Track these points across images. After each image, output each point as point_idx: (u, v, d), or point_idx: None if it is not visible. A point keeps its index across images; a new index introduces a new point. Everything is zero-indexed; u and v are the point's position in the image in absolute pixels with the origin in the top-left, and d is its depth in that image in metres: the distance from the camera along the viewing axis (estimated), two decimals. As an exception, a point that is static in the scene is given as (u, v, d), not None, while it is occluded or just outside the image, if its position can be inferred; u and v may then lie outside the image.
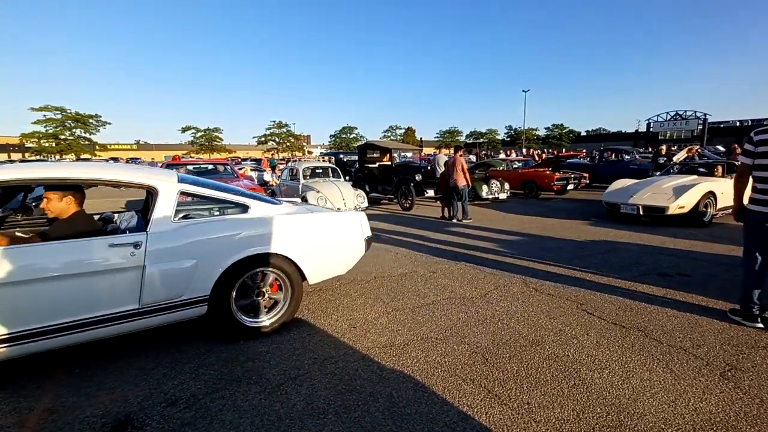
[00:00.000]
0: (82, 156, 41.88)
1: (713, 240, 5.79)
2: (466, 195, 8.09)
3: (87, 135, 43.08)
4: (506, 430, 1.91)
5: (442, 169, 12.63)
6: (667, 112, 24.61)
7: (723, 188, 7.16)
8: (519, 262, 4.88)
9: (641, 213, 7.14)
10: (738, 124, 46.58)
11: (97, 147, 45.46)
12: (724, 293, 3.64)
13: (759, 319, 2.96)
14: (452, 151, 10.01)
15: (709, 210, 6.98)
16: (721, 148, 21.81)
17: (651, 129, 25.50)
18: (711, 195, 6.97)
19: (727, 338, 2.80)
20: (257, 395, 2.21)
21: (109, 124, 44.90)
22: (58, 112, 40.28)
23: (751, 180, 2.99)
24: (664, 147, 12.06)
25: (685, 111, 23.78)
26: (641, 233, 6.38)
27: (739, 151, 11.18)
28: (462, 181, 7.98)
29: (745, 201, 3.04)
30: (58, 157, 40.28)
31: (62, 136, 40.87)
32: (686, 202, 6.75)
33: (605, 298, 3.62)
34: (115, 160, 38.10)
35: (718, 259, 4.81)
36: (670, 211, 6.77)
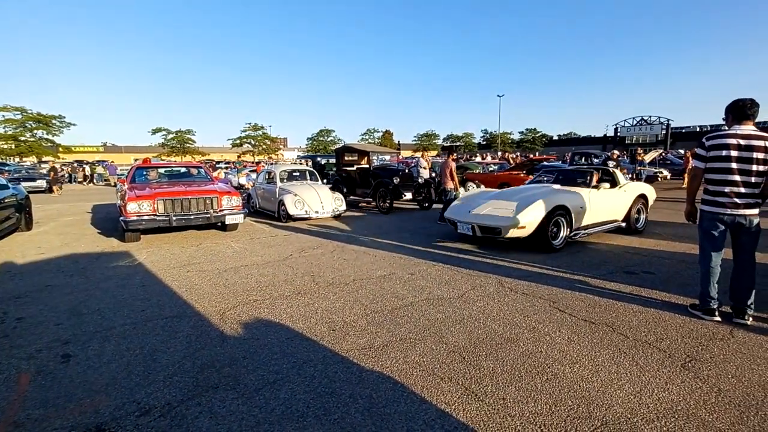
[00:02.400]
0: (44, 158, 39.93)
1: (677, 239, 6.10)
2: (453, 198, 8.22)
3: (49, 136, 41.07)
4: (483, 426, 1.96)
5: (426, 172, 12.79)
6: (633, 118, 25.79)
7: (584, 201, 5.72)
8: (495, 262, 4.99)
9: (478, 233, 5.59)
10: (698, 129, 49.24)
11: (60, 149, 43.42)
12: (685, 289, 3.85)
13: (716, 313, 3.14)
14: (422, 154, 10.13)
15: (562, 231, 5.53)
16: (682, 152, 22.98)
17: (618, 133, 26.61)
18: (562, 211, 5.44)
19: (687, 331, 2.97)
20: (235, 401, 2.19)
21: (74, 125, 43.09)
22: (18, 112, 38.23)
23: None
24: (616, 152, 12.72)
25: (650, 116, 24.96)
26: (609, 233, 6.64)
27: (615, 155, 12.09)
28: (450, 184, 8.19)
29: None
30: (17, 159, 38.23)
31: (22, 138, 38.82)
32: (528, 221, 5.19)
33: (576, 295, 3.76)
34: (80, 162, 36.49)
35: (681, 257, 5.08)
36: (507, 233, 5.22)
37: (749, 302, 3.07)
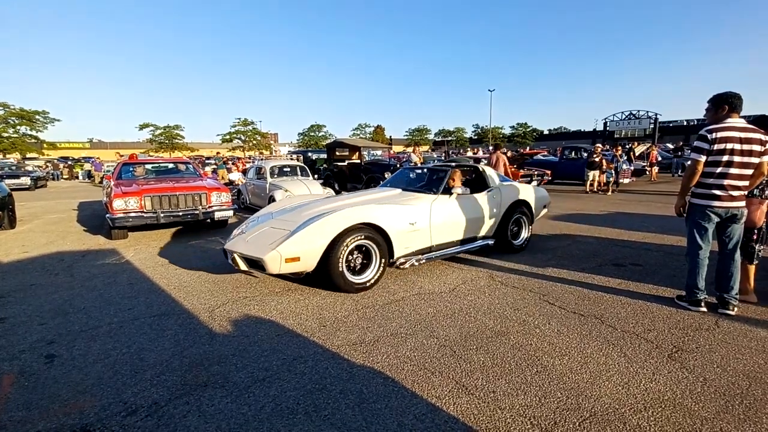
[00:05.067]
0: (29, 155, 39.03)
1: (664, 232, 6.18)
2: None
3: (33, 132, 40.14)
4: (473, 419, 1.96)
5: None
6: (622, 112, 25.99)
7: (417, 215, 4.12)
8: (486, 257, 5.01)
9: (242, 267, 3.70)
10: (685, 123, 49.96)
11: (45, 145, 42.50)
12: (672, 281, 3.90)
13: (702, 304, 3.19)
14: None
15: (374, 262, 3.82)
16: (671, 146, 23.27)
17: (607, 128, 26.84)
18: (369, 233, 3.74)
19: (674, 322, 3.01)
20: (224, 399, 2.16)
21: (59, 120, 42.09)
22: (0, 108, 37.30)
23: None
24: (599, 146, 12.79)
25: (638, 111, 25.19)
26: (599, 226, 6.72)
27: (599, 150, 12.21)
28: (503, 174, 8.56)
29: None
30: (0, 156, 37.31)
31: (5, 134, 37.89)
32: (301, 251, 3.47)
33: (566, 288, 3.79)
34: (65, 159, 35.77)
35: (668, 249, 5.15)
36: (273, 267, 3.43)
37: (734, 293, 3.12)
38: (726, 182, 3.00)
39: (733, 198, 3.02)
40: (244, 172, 13.55)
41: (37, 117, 39.57)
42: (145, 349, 2.73)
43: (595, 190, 12.14)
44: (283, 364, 2.51)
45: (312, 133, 61.06)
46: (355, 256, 3.79)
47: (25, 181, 18.13)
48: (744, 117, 3.13)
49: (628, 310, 3.26)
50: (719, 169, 3.00)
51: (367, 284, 3.79)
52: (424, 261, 4.21)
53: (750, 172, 2.98)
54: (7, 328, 3.13)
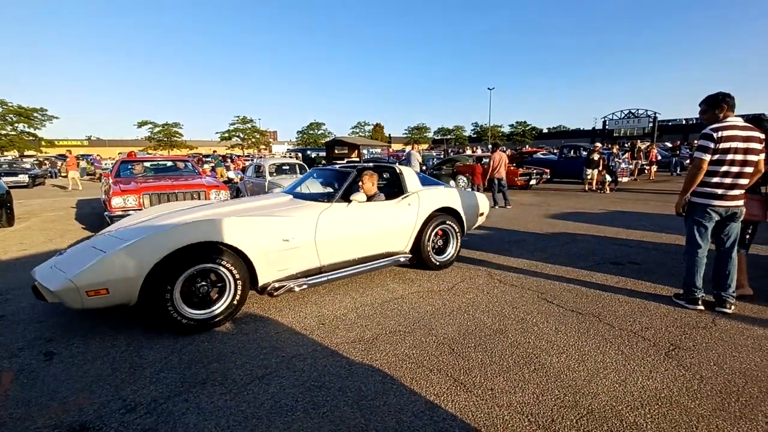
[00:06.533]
0: (27, 153, 38.88)
1: (662, 230, 6.20)
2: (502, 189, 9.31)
3: (31, 130, 39.96)
4: (471, 416, 1.97)
5: (417, 165, 12.79)
6: (621, 111, 25.97)
7: (293, 230, 3.31)
8: (484, 254, 5.02)
9: (48, 299, 2.73)
10: (684, 122, 49.98)
11: (43, 143, 42.31)
12: (670, 279, 3.91)
13: (700, 302, 3.21)
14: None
15: (227, 291, 3.02)
16: (669, 144, 23.24)
17: (607, 126, 26.83)
18: (215, 256, 2.93)
19: (671, 320, 3.02)
20: (223, 396, 2.17)
21: (57, 118, 41.84)
22: (-2, 105, 37.12)
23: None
24: (598, 145, 12.80)
25: (638, 109, 25.17)
26: (598, 225, 6.73)
27: (598, 148, 12.24)
28: (503, 174, 9.33)
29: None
30: (-2, 154, 37.15)
31: (3, 132, 37.73)
32: (105, 280, 2.63)
33: (564, 286, 3.80)
34: (63, 156, 35.61)
35: (666, 248, 5.16)
36: (71, 302, 2.62)
37: (731, 291, 3.14)
38: (729, 181, 3.00)
39: (734, 197, 3.03)
40: (243, 170, 13.54)
41: (35, 114, 39.40)
42: (144, 347, 2.73)
43: (594, 188, 12.16)
44: (281, 362, 2.52)
45: (311, 131, 60.96)
46: (199, 284, 2.93)
47: (23, 178, 18.08)
48: (740, 116, 3.15)
49: (626, 308, 3.27)
50: (723, 168, 2.99)
51: (216, 319, 2.97)
52: (306, 287, 3.36)
53: (751, 170, 2.99)
54: (6, 326, 3.13)
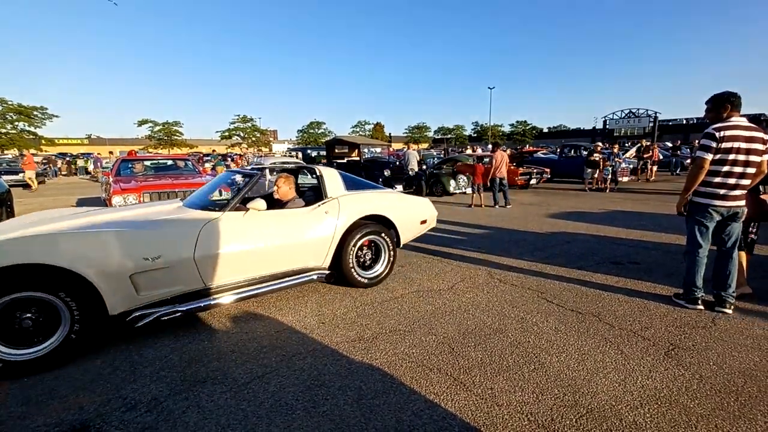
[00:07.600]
0: (26, 151, 38.84)
1: (662, 230, 6.20)
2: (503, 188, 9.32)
3: (31, 128, 39.96)
4: (471, 415, 1.98)
5: (414, 164, 12.78)
6: (622, 110, 25.92)
7: (172, 246, 2.81)
8: (485, 254, 5.02)
9: None
10: (685, 122, 49.99)
11: (43, 141, 42.32)
12: (669, 279, 3.92)
13: (700, 302, 3.21)
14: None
15: (28, 320, 2.39)
16: (669, 144, 23.21)
17: (607, 126, 26.79)
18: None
19: (671, 320, 3.03)
20: (223, 395, 2.17)
21: (57, 117, 41.85)
22: (-2, 103, 37.10)
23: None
24: (599, 144, 12.78)
25: (638, 109, 25.11)
26: (598, 225, 6.73)
27: (598, 148, 12.27)
28: (505, 174, 9.38)
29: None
30: (-2, 152, 37.16)
31: (3, 130, 37.73)
32: None
33: (564, 286, 3.80)
34: (63, 155, 35.64)
35: (666, 247, 5.16)
36: None
37: (731, 291, 3.14)
38: (731, 181, 2.99)
39: (736, 197, 3.02)
40: None
41: (35, 113, 39.39)
42: (145, 346, 2.73)
43: (594, 188, 12.15)
44: (282, 361, 2.52)
45: (311, 130, 60.90)
46: (20, 316, 2.38)
47: (24, 177, 18.04)
48: (742, 115, 3.14)
49: (626, 307, 3.27)
50: (725, 168, 2.98)
51: (47, 358, 2.42)
52: (180, 314, 2.79)
53: (753, 170, 2.98)
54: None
